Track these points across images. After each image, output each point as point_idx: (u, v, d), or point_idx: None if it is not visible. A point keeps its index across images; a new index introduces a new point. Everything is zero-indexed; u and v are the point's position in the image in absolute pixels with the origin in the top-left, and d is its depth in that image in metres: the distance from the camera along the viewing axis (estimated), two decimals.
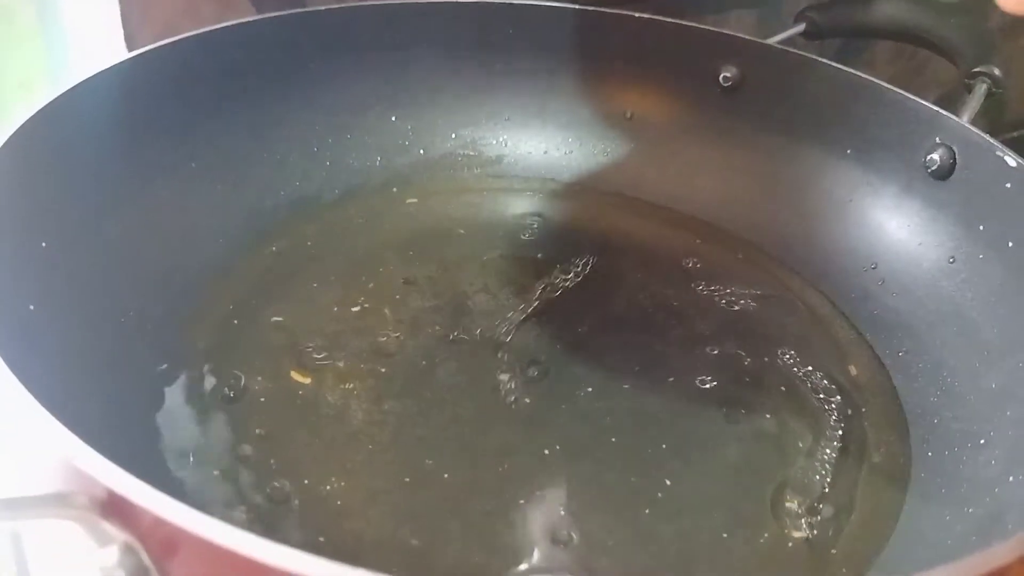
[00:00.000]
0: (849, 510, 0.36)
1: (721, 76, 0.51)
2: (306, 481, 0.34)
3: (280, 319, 0.41)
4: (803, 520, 0.35)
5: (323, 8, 0.50)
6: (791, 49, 0.50)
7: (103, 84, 0.40)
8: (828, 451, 0.38)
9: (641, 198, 0.53)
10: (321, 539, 0.32)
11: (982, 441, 0.37)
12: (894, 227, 0.46)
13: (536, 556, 0.32)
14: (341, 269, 0.45)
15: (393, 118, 0.53)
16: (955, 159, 0.43)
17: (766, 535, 0.34)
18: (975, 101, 0.46)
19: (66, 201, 0.37)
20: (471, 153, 0.54)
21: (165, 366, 0.38)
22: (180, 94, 0.44)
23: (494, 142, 0.55)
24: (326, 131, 0.51)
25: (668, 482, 0.36)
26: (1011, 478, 0.34)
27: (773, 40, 0.51)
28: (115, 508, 0.21)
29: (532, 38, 0.53)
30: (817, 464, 0.37)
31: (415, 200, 0.51)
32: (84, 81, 0.39)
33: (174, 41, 0.44)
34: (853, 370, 0.43)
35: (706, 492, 0.36)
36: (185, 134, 0.45)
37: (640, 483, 0.35)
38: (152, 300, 0.39)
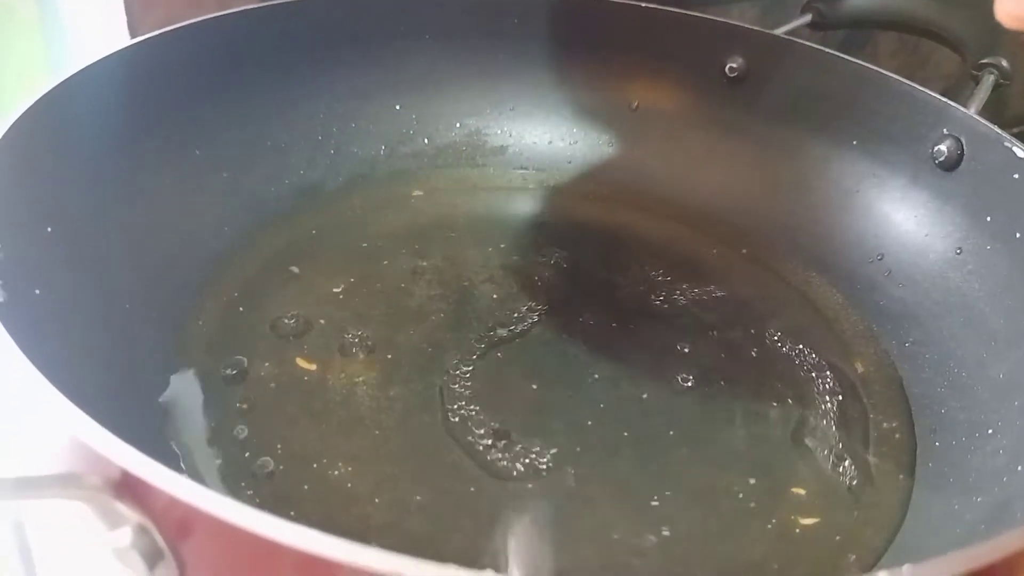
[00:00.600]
0: (858, 498, 0.36)
1: (727, 67, 0.51)
2: (315, 465, 0.34)
3: (284, 306, 0.41)
4: (811, 508, 0.35)
5: None
6: (798, 40, 0.50)
7: (106, 71, 0.40)
8: (835, 441, 0.38)
9: (645, 189, 0.53)
10: (328, 524, 0.32)
11: (990, 431, 0.37)
12: (901, 218, 0.46)
13: (543, 543, 0.32)
14: (346, 257, 0.45)
15: (398, 107, 0.52)
16: (962, 150, 0.43)
17: (774, 522, 0.34)
18: (983, 92, 0.46)
19: (70, 187, 0.37)
20: (476, 143, 0.54)
21: (170, 352, 0.37)
22: (184, 82, 0.44)
23: (499, 132, 0.54)
24: (330, 120, 0.51)
25: (677, 471, 0.36)
26: (1019, 467, 0.34)
27: (779, 31, 0.51)
28: (128, 489, 0.21)
29: (537, 28, 0.53)
30: (824, 454, 0.37)
31: (419, 190, 0.51)
32: (87, 68, 0.39)
33: (177, 28, 0.43)
34: (859, 361, 0.43)
35: (714, 481, 0.35)
36: (189, 122, 0.44)
37: (649, 472, 0.35)
38: (157, 287, 0.39)
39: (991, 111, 0.48)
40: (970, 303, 0.42)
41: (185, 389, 0.36)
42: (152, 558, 0.21)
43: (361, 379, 0.38)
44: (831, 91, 0.48)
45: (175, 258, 0.41)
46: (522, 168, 0.54)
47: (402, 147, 0.52)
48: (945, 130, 0.44)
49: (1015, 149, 0.40)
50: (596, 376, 0.40)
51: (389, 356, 0.39)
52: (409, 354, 0.40)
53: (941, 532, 0.33)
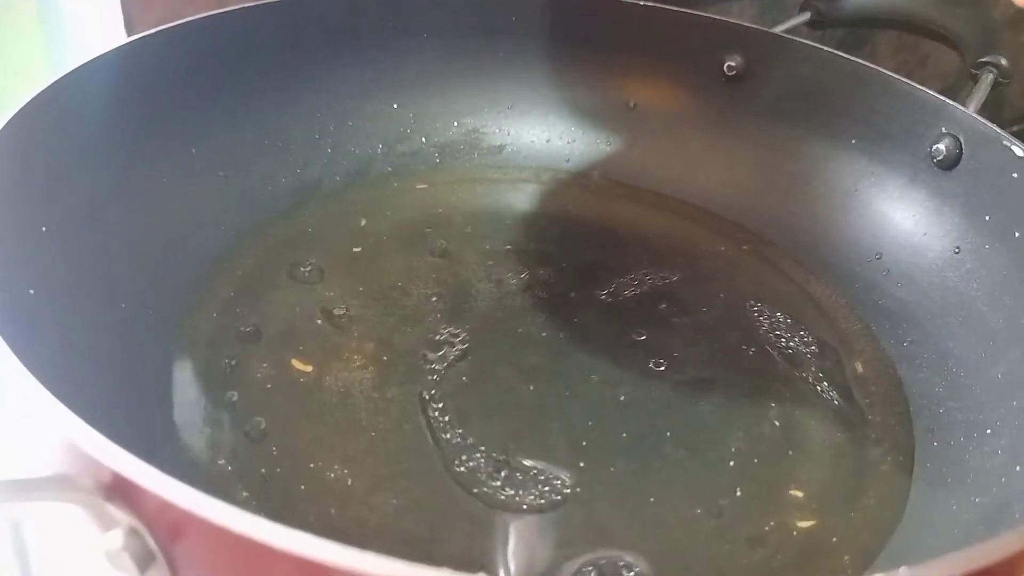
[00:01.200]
0: (855, 499, 0.35)
1: (725, 65, 0.51)
2: (311, 466, 0.34)
3: (281, 307, 0.41)
4: (808, 509, 0.35)
5: None
6: (797, 38, 0.50)
7: (103, 68, 0.40)
8: (833, 441, 0.38)
9: (644, 188, 0.53)
10: (325, 525, 0.32)
11: (988, 431, 0.36)
12: (899, 217, 0.46)
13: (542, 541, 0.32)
14: (342, 257, 0.45)
15: (395, 105, 0.52)
16: (961, 149, 0.43)
17: (772, 523, 0.34)
18: (981, 91, 0.46)
19: (66, 186, 0.37)
20: (473, 141, 0.54)
21: (165, 352, 0.37)
22: (181, 79, 0.44)
23: (496, 131, 0.54)
24: (327, 118, 0.50)
25: (673, 470, 0.35)
26: (1018, 467, 0.34)
27: (778, 29, 0.51)
28: (120, 491, 0.21)
29: (535, 26, 0.53)
30: (822, 454, 0.37)
31: (417, 188, 0.51)
32: (84, 65, 0.38)
33: (174, 26, 0.43)
34: (858, 360, 0.42)
35: (711, 482, 0.35)
36: (185, 120, 0.44)
37: (646, 473, 0.35)
38: (152, 286, 0.39)
39: (990, 110, 0.48)
40: (968, 302, 0.41)
41: (181, 389, 0.36)
42: (143, 561, 0.21)
43: (357, 380, 0.38)
44: (830, 90, 0.48)
45: (171, 257, 0.41)
46: (520, 167, 0.54)
47: (400, 146, 0.52)
48: (944, 129, 0.44)
49: (1014, 148, 0.40)
50: (595, 377, 0.39)
51: (385, 357, 0.39)
52: (405, 355, 0.39)
53: (939, 533, 0.33)
